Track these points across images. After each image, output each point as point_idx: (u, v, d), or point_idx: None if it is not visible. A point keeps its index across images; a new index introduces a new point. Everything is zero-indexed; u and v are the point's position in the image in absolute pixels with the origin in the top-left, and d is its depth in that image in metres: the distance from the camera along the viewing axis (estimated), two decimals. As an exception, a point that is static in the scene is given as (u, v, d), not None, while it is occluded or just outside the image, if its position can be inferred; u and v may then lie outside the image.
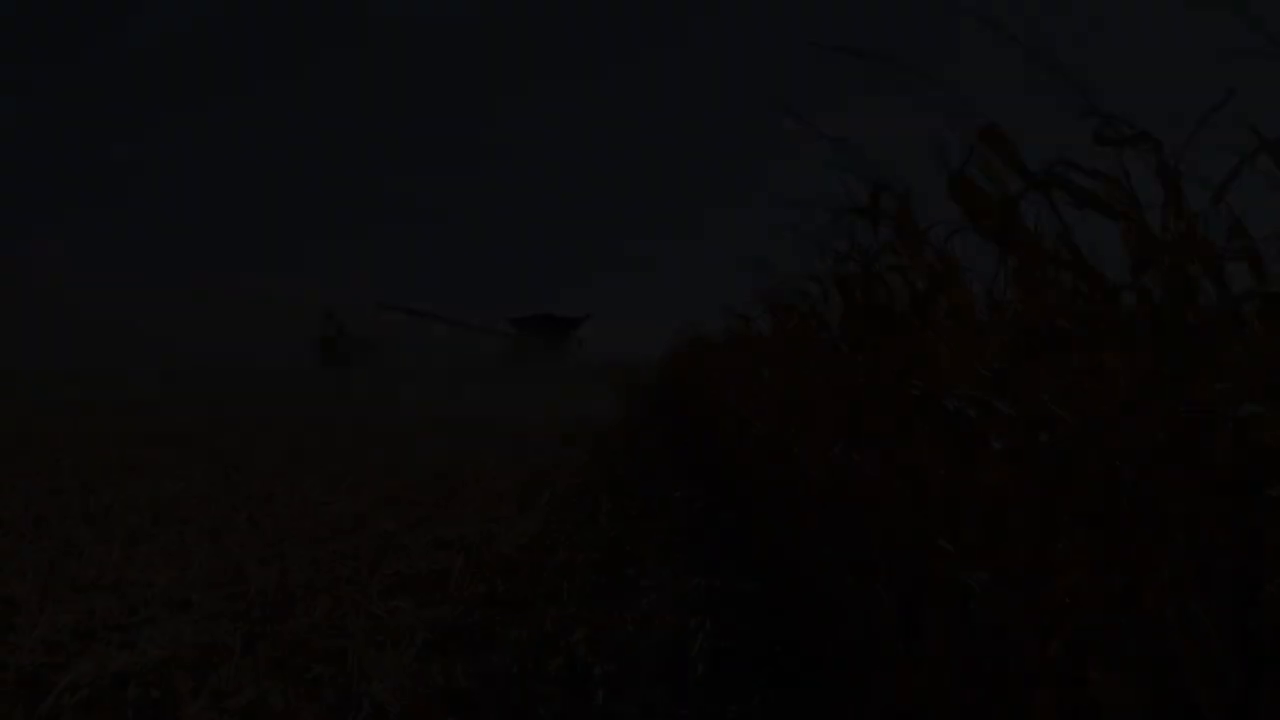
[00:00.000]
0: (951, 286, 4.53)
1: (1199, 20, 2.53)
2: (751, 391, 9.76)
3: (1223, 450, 2.65)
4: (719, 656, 6.68)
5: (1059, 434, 3.36)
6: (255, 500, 12.85)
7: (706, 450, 16.53)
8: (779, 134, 5.15)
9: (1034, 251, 3.06)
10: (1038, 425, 3.45)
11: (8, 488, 13.49)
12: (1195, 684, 2.68)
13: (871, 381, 5.48)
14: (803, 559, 7.19)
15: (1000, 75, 3.14)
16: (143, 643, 6.64)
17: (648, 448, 22.44)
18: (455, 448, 21.09)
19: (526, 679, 6.15)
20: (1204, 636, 2.69)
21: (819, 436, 6.70)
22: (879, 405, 5.40)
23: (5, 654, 6.53)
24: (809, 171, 5.49)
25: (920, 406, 4.57)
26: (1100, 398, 3.21)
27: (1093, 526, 3.08)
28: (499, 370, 57.89)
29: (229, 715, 5.83)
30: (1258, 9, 2.53)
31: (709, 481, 15.09)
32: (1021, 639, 3.41)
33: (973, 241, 3.81)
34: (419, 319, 62.85)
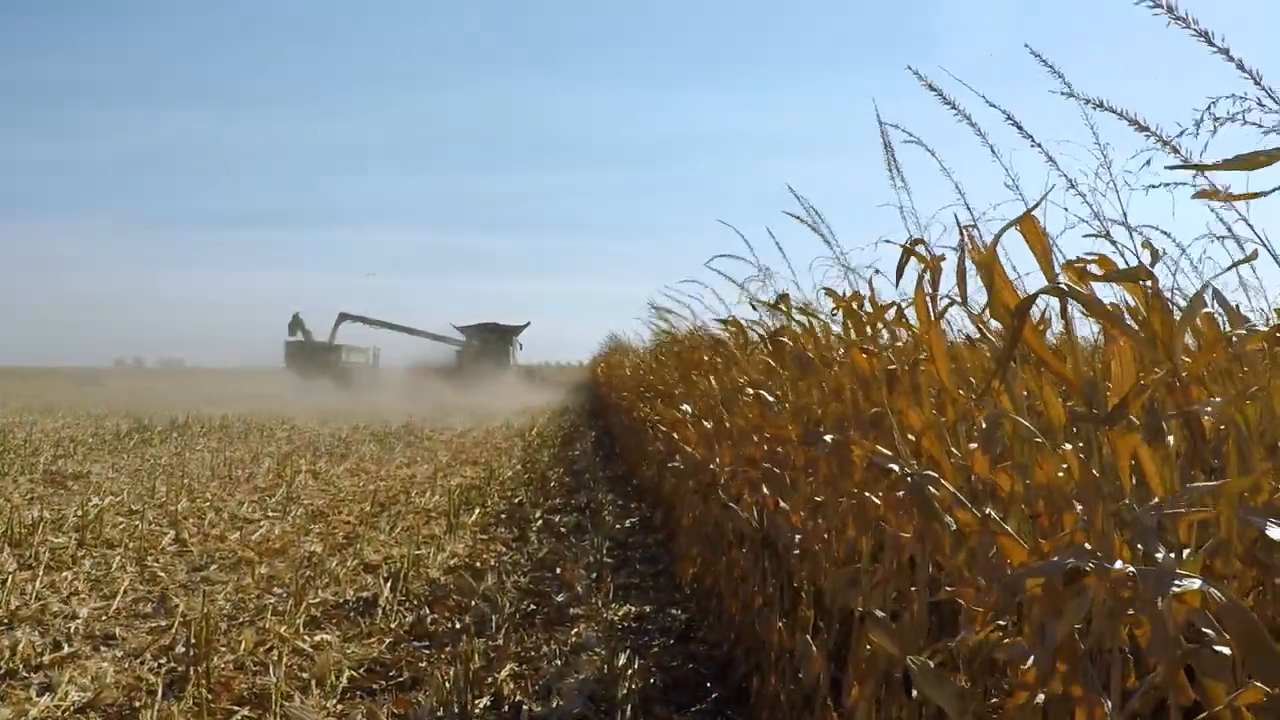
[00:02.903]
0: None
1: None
2: (677, 421, 9.74)
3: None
4: (648, 693, 6.67)
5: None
6: (183, 518, 12.72)
7: (635, 459, 16.54)
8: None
9: (1040, 352, 3.05)
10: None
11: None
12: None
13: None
14: (730, 593, 7.20)
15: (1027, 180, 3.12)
16: (64, 684, 6.55)
17: (579, 454, 22.45)
18: (390, 458, 21.03)
19: (452, 722, 6.12)
20: None
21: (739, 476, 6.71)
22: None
23: (-78, 698, 6.43)
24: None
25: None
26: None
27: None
28: (446, 375, 62.86)
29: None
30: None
31: (639, 494, 15.10)
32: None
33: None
34: (377, 327, 66.85)
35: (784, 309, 5.77)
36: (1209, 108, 2.34)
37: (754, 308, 6.57)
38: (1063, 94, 2.84)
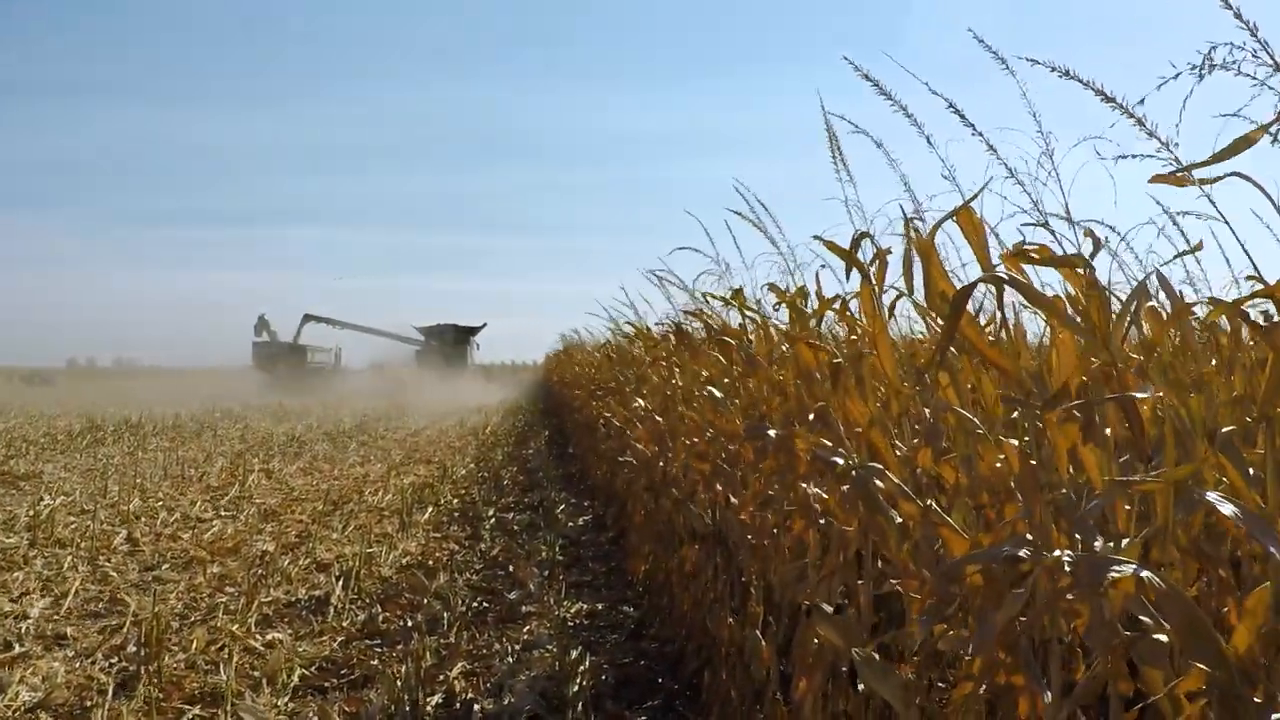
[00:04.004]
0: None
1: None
2: (629, 419, 9.76)
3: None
4: (600, 689, 6.70)
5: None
6: (135, 517, 12.66)
7: (588, 458, 16.54)
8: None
9: (976, 343, 3.07)
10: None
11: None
12: None
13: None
14: (681, 589, 7.22)
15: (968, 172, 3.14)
16: (14, 684, 6.54)
17: (532, 453, 22.44)
18: (343, 457, 20.99)
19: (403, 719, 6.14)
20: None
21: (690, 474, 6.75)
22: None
23: (-128, 699, 6.40)
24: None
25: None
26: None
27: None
28: (406, 374, 65.24)
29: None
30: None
31: (591, 492, 15.12)
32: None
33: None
34: (341, 328, 69.22)
35: (738, 304, 5.80)
36: (1209, 53, 2.36)
37: (707, 302, 6.60)
38: (1008, 70, 2.87)
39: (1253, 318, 2.86)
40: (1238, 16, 2.33)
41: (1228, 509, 2.23)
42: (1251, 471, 2.58)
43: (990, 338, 3.20)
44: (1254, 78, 2.35)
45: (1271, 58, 2.33)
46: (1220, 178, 2.45)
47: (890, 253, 3.67)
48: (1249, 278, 3.30)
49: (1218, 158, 2.39)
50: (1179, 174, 2.58)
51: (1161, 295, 3.22)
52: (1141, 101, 2.54)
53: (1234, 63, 2.35)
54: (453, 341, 73.63)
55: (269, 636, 7.65)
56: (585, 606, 8.80)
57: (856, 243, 3.76)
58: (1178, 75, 2.42)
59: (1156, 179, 2.60)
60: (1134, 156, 2.62)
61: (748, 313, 5.75)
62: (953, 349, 3.16)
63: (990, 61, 2.92)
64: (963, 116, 3.01)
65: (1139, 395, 2.65)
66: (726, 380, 6.20)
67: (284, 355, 68.57)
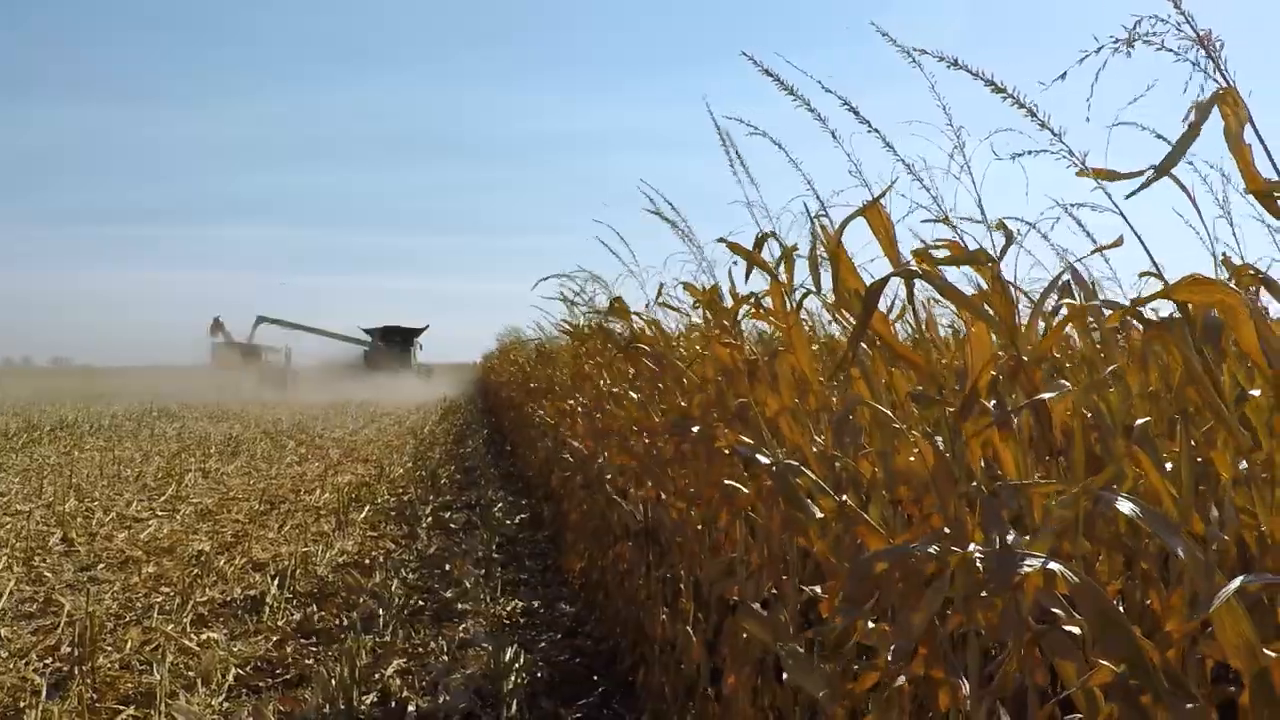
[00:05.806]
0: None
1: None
2: (564, 413, 9.78)
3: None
4: (535, 687, 6.73)
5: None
6: (71, 517, 12.59)
7: (525, 456, 16.55)
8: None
9: (888, 339, 3.08)
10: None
11: None
12: None
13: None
14: (616, 586, 7.26)
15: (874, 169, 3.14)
16: (-53, 686, 6.52)
17: (470, 451, 22.42)
18: (281, 456, 20.89)
19: (338, 718, 6.16)
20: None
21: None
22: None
23: None
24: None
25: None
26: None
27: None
28: (353, 373, 67.55)
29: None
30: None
31: (529, 490, 15.13)
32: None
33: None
34: (292, 329, 71.40)
35: (620, 315, 5.88)
36: (1135, 26, 2.37)
37: (580, 318, 6.68)
38: (905, 53, 2.89)
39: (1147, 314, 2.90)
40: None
41: (1126, 507, 2.23)
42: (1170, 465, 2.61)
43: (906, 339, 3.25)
44: (1175, 52, 2.36)
45: (1194, 30, 2.34)
46: (1146, 184, 2.45)
47: (797, 249, 3.71)
48: (1143, 274, 3.35)
49: (1167, 164, 2.40)
50: (1105, 172, 2.57)
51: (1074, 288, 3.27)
52: (1064, 76, 2.54)
53: (1157, 36, 2.36)
54: (398, 342, 75.75)
55: (204, 636, 7.65)
56: (521, 604, 8.83)
57: (760, 242, 3.79)
58: (1099, 49, 2.43)
59: (1094, 174, 2.59)
60: (1029, 153, 2.64)
61: (633, 319, 5.85)
62: (865, 345, 3.20)
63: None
64: (857, 113, 3.02)
65: (1047, 396, 2.68)
66: (651, 378, 6.24)
67: (240, 355, 71.41)
